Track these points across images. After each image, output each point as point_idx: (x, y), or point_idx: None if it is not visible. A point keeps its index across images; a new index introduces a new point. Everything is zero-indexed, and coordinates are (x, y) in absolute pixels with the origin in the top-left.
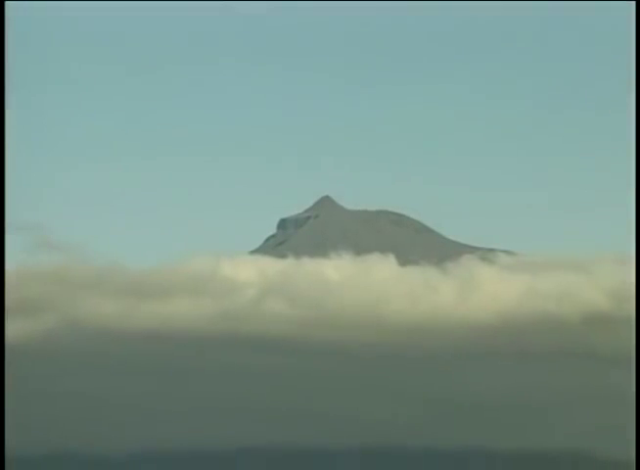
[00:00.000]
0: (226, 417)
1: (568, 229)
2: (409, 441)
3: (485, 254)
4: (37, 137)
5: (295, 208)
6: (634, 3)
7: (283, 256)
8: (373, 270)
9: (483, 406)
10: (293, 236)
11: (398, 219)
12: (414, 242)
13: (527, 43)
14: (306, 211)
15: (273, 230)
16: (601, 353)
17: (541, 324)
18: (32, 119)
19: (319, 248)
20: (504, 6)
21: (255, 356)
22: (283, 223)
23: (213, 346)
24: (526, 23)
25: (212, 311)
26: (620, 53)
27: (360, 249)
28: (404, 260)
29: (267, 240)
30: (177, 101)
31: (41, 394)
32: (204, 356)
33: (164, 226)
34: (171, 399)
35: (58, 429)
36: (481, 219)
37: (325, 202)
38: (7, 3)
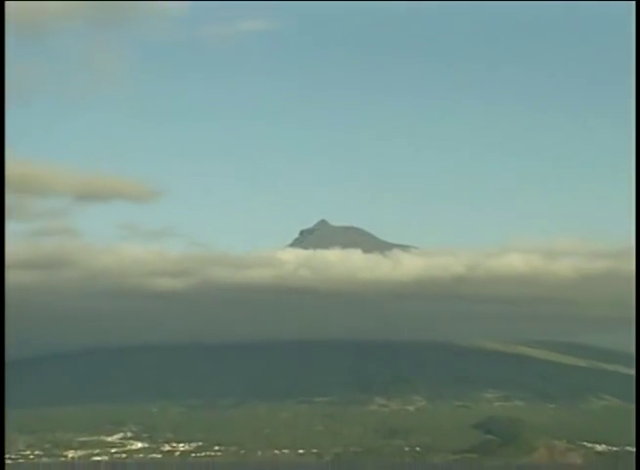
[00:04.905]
0: (275, 326)
1: (447, 232)
2: (364, 335)
3: (404, 248)
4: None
5: (307, 224)
6: (634, 3)
7: (305, 248)
8: (350, 256)
9: (397, 318)
10: (307, 238)
11: (355, 230)
12: (366, 242)
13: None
14: (314, 226)
15: (297, 235)
16: (460, 296)
17: (431, 282)
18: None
19: (322, 245)
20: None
21: (294, 299)
22: (302, 232)
23: (272, 294)
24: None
25: (271, 276)
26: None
27: (342, 245)
28: (365, 251)
29: (295, 240)
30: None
31: (184, 315)
32: (266, 299)
33: (244, 231)
34: (249, 322)
35: (189, 329)
36: (400, 228)
37: (323, 222)
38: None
